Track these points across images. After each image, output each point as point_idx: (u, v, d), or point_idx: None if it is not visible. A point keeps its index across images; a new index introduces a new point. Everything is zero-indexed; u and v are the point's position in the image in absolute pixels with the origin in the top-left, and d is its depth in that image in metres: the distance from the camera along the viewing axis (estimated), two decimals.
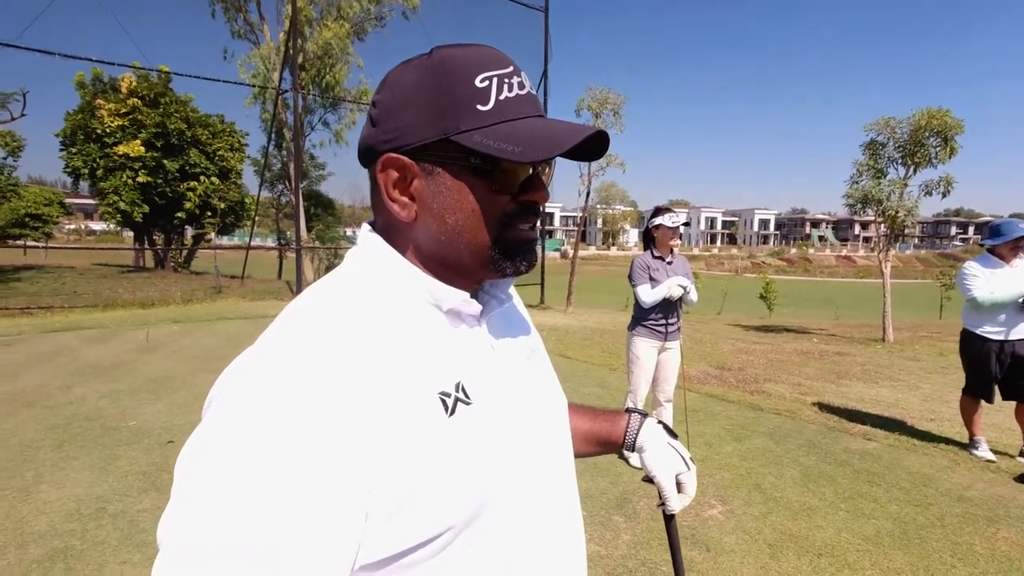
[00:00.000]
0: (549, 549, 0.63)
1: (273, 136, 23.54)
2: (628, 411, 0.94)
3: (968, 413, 4.06)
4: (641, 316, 3.69)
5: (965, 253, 55.58)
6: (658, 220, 3.65)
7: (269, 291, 14.83)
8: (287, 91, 19.96)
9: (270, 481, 0.45)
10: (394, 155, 0.57)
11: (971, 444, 4.03)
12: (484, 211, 0.58)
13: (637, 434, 0.90)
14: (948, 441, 4.22)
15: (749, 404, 5.22)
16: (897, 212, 9.15)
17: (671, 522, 0.93)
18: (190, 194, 17.13)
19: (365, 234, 0.63)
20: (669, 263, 3.66)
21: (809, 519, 3.06)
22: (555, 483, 0.66)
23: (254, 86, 22.16)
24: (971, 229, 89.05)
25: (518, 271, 0.62)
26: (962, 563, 2.65)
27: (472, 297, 0.61)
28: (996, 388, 3.88)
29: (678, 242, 3.73)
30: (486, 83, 0.56)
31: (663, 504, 0.89)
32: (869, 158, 9.59)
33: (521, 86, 0.58)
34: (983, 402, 3.96)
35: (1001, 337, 3.83)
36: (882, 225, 9.66)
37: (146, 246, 19.44)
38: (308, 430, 0.47)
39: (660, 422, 0.93)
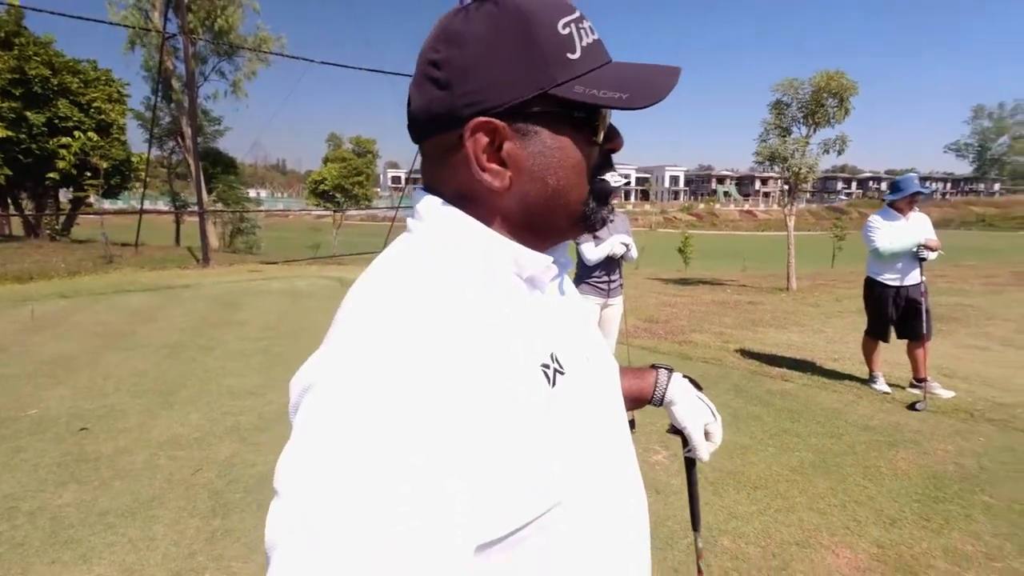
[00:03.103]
0: (627, 520, 0.63)
1: (160, 87, 21.12)
2: (654, 367, 0.95)
3: (868, 351, 4.55)
4: (584, 274, 3.74)
5: (850, 207, 61.26)
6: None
7: (170, 259, 13.59)
8: (174, 35, 17.88)
9: (396, 466, 0.41)
10: (485, 119, 0.52)
11: (871, 379, 4.53)
12: (583, 165, 0.57)
13: (666, 389, 0.92)
14: (851, 378, 4.72)
15: (679, 354, 5.54)
16: (800, 168, 9.86)
17: (693, 468, 1.01)
18: (63, 151, 15.00)
19: (435, 206, 0.57)
20: (611, 221, 3.71)
21: (743, 456, 3.33)
22: (626, 450, 0.66)
23: (129, 27, 19.63)
24: (854, 184, 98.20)
25: (605, 221, 0.62)
26: (872, 483, 3.01)
27: None
28: (892, 329, 4.37)
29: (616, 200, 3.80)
30: (568, 30, 0.53)
31: (691, 452, 0.93)
32: (775, 117, 10.21)
33: (592, 30, 0.56)
34: (881, 342, 4.45)
35: (897, 283, 4.28)
36: (787, 181, 10.40)
37: (12, 212, 17.04)
38: (433, 412, 0.43)
39: (686, 376, 0.96)
